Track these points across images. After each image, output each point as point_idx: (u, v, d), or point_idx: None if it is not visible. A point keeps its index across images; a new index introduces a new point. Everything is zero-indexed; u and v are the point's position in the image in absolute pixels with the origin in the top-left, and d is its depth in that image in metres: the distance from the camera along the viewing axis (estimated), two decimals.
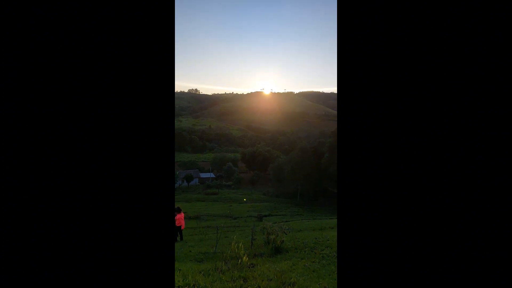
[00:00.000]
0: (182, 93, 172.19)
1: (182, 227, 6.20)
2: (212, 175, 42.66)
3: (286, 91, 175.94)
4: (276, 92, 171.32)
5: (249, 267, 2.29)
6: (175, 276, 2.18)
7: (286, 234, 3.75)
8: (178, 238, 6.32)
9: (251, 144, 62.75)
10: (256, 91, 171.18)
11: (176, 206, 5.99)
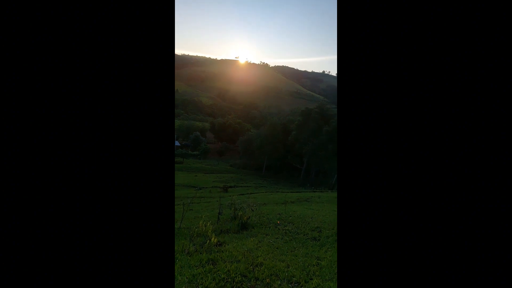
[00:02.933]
0: None
1: None
2: (177, 143, 40.93)
3: (261, 62, 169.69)
4: (251, 62, 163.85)
5: (216, 246, 2.33)
6: None
7: (253, 210, 3.90)
8: None
9: (221, 115, 61.02)
10: (231, 59, 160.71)
11: None
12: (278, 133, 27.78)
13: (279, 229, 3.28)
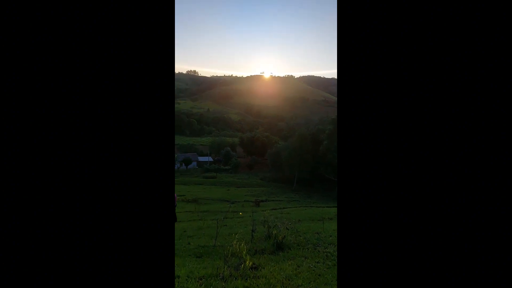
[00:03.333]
0: (180, 74, 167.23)
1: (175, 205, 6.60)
2: (210, 158, 42.83)
3: (286, 75, 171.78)
4: (276, 75, 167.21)
5: (251, 270, 2.18)
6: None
7: (288, 229, 3.66)
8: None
9: (249, 129, 62.43)
10: (256, 75, 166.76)
11: None
12: (307, 144, 26.89)
13: (319, 251, 2.97)
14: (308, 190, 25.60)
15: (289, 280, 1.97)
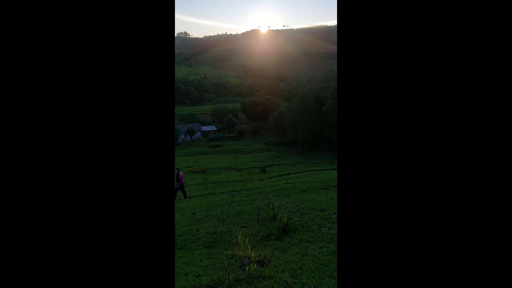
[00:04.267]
0: None
1: (183, 184, 7.39)
2: (213, 127, 42.87)
3: (285, 27, 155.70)
4: (274, 29, 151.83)
5: (256, 264, 2.25)
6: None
7: (292, 213, 3.71)
8: (182, 196, 7.29)
9: (249, 93, 60.27)
10: (252, 30, 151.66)
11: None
12: (310, 104, 26.00)
13: (323, 233, 3.03)
14: (313, 151, 25.97)
15: (293, 277, 2.03)
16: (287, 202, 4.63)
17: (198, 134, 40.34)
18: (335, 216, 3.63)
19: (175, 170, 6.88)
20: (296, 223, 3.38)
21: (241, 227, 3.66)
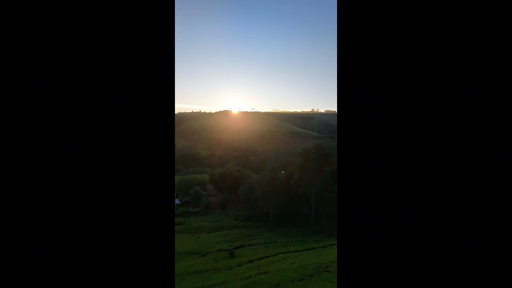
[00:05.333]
0: None
1: None
2: (177, 201, 39.30)
3: (253, 110, 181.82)
4: (244, 111, 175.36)
5: None
6: None
7: None
8: None
9: (220, 164, 60.95)
10: (225, 110, 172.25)
11: None
12: (279, 177, 27.05)
13: None
14: (284, 226, 24.70)
15: None
16: None
17: None
18: None
19: None
20: None
21: None
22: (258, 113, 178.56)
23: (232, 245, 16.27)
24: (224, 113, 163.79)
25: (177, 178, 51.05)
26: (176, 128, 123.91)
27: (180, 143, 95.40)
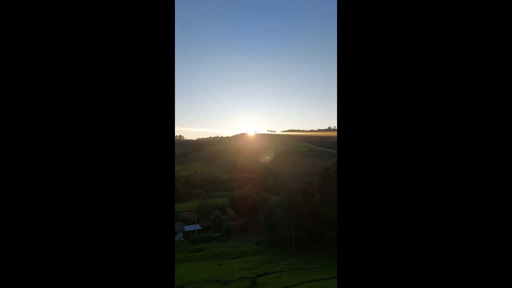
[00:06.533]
0: None
1: None
2: (198, 226, 39.08)
3: (269, 132, 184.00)
4: (260, 133, 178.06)
5: None
6: None
7: None
8: None
9: (239, 187, 60.72)
10: (241, 133, 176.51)
11: None
12: (299, 199, 26.04)
13: None
14: (308, 251, 23.01)
15: None
16: None
17: (179, 235, 35.97)
18: None
19: None
20: None
21: None
22: (274, 134, 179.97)
23: (254, 273, 15.43)
24: (241, 136, 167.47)
25: (197, 202, 51.37)
26: (196, 153, 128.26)
27: (199, 167, 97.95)
